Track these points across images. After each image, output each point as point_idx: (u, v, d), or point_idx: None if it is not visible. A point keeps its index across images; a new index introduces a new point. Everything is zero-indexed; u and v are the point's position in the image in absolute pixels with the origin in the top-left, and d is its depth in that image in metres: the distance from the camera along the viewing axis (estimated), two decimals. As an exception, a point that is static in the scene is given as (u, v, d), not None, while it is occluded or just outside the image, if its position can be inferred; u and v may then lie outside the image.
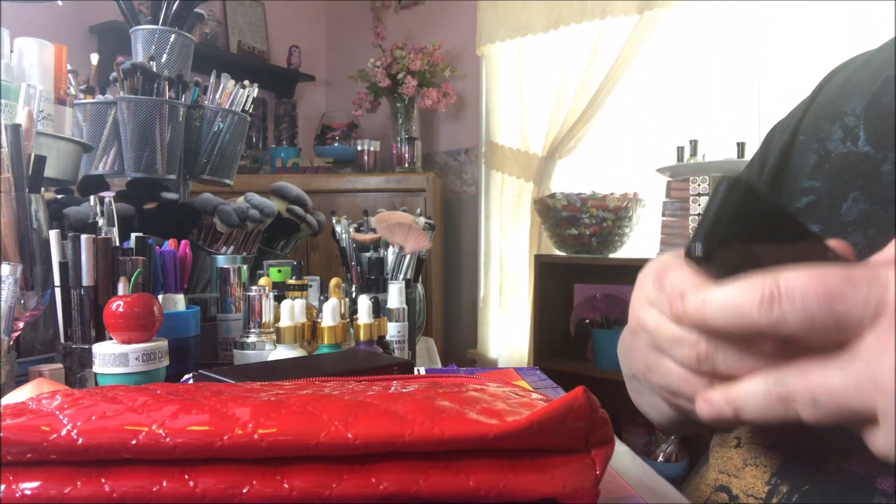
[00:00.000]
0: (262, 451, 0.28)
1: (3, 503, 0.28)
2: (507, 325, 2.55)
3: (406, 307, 0.81)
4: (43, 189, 0.72)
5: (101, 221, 0.77)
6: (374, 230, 0.99)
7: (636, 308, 0.37)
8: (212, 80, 1.11)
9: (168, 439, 0.28)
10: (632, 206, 1.99)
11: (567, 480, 0.29)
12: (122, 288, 0.61)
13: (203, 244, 1.01)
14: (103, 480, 0.28)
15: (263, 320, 0.72)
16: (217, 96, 1.11)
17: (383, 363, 0.58)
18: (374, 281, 0.89)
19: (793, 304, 0.27)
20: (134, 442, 0.28)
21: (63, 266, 0.64)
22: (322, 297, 0.88)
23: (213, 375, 0.51)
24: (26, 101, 0.77)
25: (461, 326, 2.83)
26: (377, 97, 2.74)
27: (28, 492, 0.28)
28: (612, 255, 2.08)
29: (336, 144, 2.85)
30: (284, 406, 0.30)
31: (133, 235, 0.70)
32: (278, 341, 0.67)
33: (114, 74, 1.02)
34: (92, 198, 0.79)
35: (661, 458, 1.85)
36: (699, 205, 1.75)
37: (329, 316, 0.69)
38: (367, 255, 0.95)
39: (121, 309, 0.57)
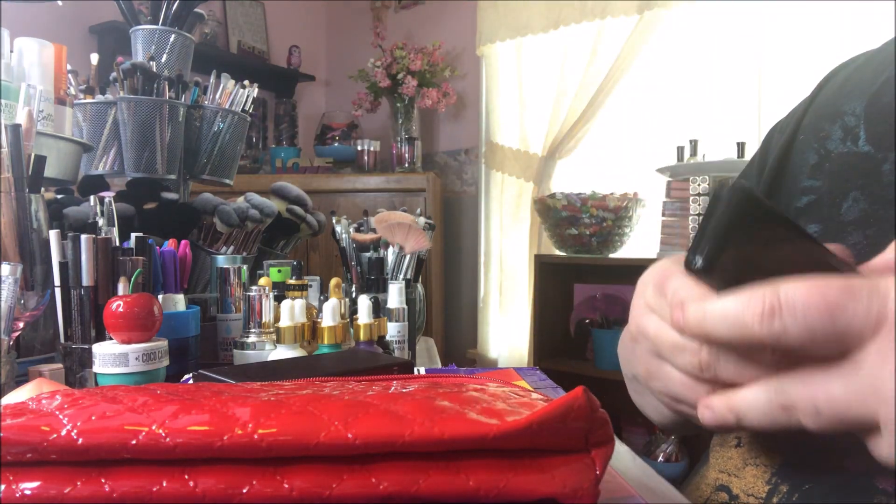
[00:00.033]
0: (262, 451, 0.28)
1: (3, 503, 0.28)
2: (507, 325, 2.55)
3: (406, 307, 0.81)
4: (43, 189, 0.72)
5: (101, 221, 0.77)
6: (374, 230, 0.99)
7: (637, 315, 0.37)
8: (212, 80, 1.11)
9: (168, 439, 0.28)
10: (632, 206, 1.99)
11: (567, 480, 0.29)
12: (122, 288, 0.61)
13: (203, 244, 1.01)
14: (103, 480, 0.28)
15: (263, 320, 0.72)
16: (217, 96, 1.11)
17: (383, 363, 0.58)
18: (374, 281, 0.89)
19: (794, 318, 0.27)
20: (134, 442, 0.28)
21: (63, 266, 0.64)
22: (322, 297, 0.88)
23: (213, 375, 0.51)
24: (26, 101, 0.77)
25: (461, 326, 2.82)
26: (377, 97, 2.74)
27: (28, 492, 0.28)
28: (612, 255, 2.08)
29: (336, 144, 2.85)
30: (284, 406, 0.30)
31: (133, 235, 0.70)
32: (278, 341, 0.67)
33: (114, 74, 1.02)
34: (92, 198, 0.79)
35: (661, 458, 1.85)
36: (699, 205, 1.75)
37: (329, 316, 0.69)
38: (367, 255, 0.95)
39: (121, 309, 0.57)
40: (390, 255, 0.94)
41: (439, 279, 2.66)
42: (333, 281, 0.76)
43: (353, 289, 0.95)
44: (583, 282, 2.28)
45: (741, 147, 1.88)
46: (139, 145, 1.00)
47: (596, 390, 0.33)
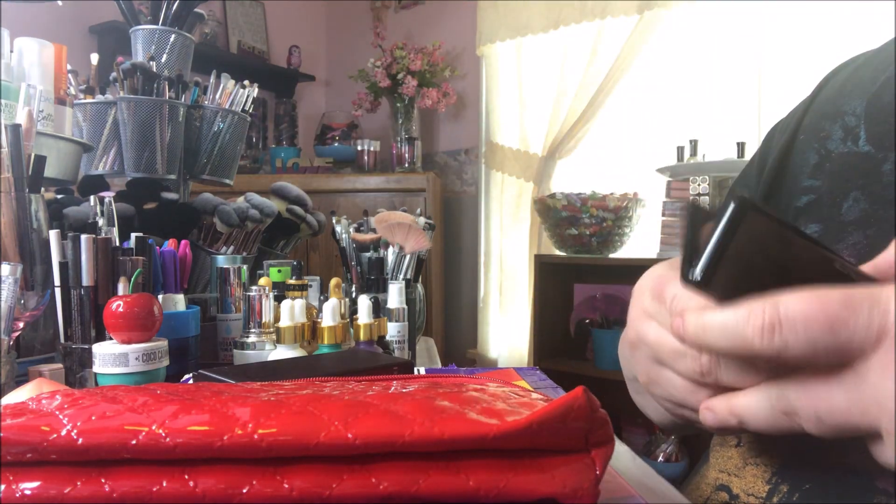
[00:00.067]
0: (262, 451, 0.28)
1: (3, 503, 0.28)
2: (507, 325, 2.55)
3: (406, 307, 0.81)
4: (43, 189, 0.72)
5: (101, 221, 0.77)
6: (374, 230, 0.99)
7: (635, 321, 0.37)
8: (212, 80, 1.11)
9: (168, 439, 0.28)
10: (632, 206, 1.99)
11: (567, 480, 0.29)
12: (122, 288, 0.61)
13: (203, 244, 1.01)
14: (103, 480, 0.28)
15: (263, 320, 0.72)
16: (217, 96, 1.11)
17: (383, 363, 0.58)
18: (374, 281, 0.89)
19: (794, 333, 0.27)
20: (134, 442, 0.28)
21: (63, 266, 0.64)
22: (322, 297, 0.88)
23: (213, 375, 0.51)
24: (26, 101, 0.77)
25: (461, 326, 2.82)
26: (377, 97, 2.74)
27: (28, 492, 0.28)
28: (612, 255, 2.08)
29: (336, 144, 2.85)
30: (284, 406, 0.30)
31: (133, 235, 0.70)
32: (278, 341, 0.67)
33: (114, 74, 1.02)
34: (92, 198, 0.79)
35: (661, 458, 1.85)
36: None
37: (329, 316, 0.69)
38: (367, 255, 0.95)
39: (121, 309, 0.57)
40: (390, 255, 0.94)
41: (439, 279, 2.66)
42: (333, 281, 0.76)
43: (353, 289, 0.95)
44: (583, 282, 2.28)
45: (741, 147, 1.88)
46: (139, 145, 1.00)
47: (596, 390, 0.33)
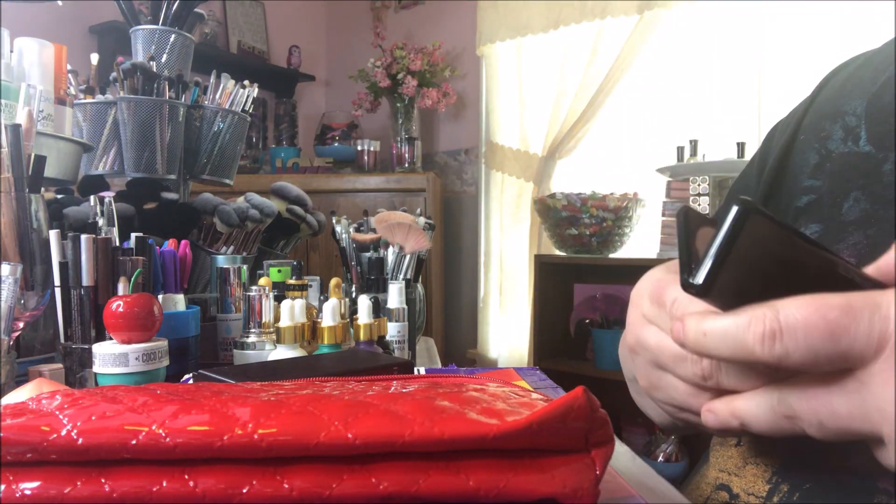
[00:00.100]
0: (262, 451, 0.28)
1: (3, 503, 0.28)
2: (507, 325, 2.55)
3: (406, 307, 0.81)
4: (43, 189, 0.72)
5: (101, 221, 0.77)
6: (374, 230, 0.99)
7: (635, 326, 0.36)
8: (212, 80, 1.11)
9: (168, 439, 0.28)
10: (632, 206, 1.99)
11: (567, 480, 0.29)
12: (122, 288, 0.61)
13: (203, 244, 1.01)
14: (103, 480, 0.28)
15: (263, 320, 0.71)
16: (217, 96, 1.11)
17: (383, 363, 0.58)
18: (374, 281, 0.89)
19: (795, 341, 0.27)
20: (134, 442, 0.28)
21: (63, 266, 0.64)
22: (322, 297, 0.88)
23: (213, 375, 0.51)
24: (26, 101, 0.77)
25: (461, 326, 2.82)
26: (377, 97, 2.74)
27: (28, 492, 0.28)
28: (612, 255, 2.08)
29: (336, 144, 2.85)
30: (284, 406, 0.30)
31: (133, 235, 0.70)
32: (278, 341, 0.67)
33: (114, 74, 1.02)
34: (92, 198, 0.79)
35: (661, 458, 1.85)
36: (699, 205, 1.75)
37: (329, 316, 0.69)
38: (367, 255, 0.95)
39: (121, 309, 0.57)
40: (390, 255, 0.94)
41: (439, 279, 2.66)
42: (333, 281, 0.76)
43: (353, 289, 0.95)
44: (583, 282, 2.28)
45: (741, 147, 1.88)
46: (139, 145, 1.00)
47: (596, 390, 0.33)
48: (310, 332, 0.71)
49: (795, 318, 0.27)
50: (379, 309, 0.77)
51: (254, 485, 0.28)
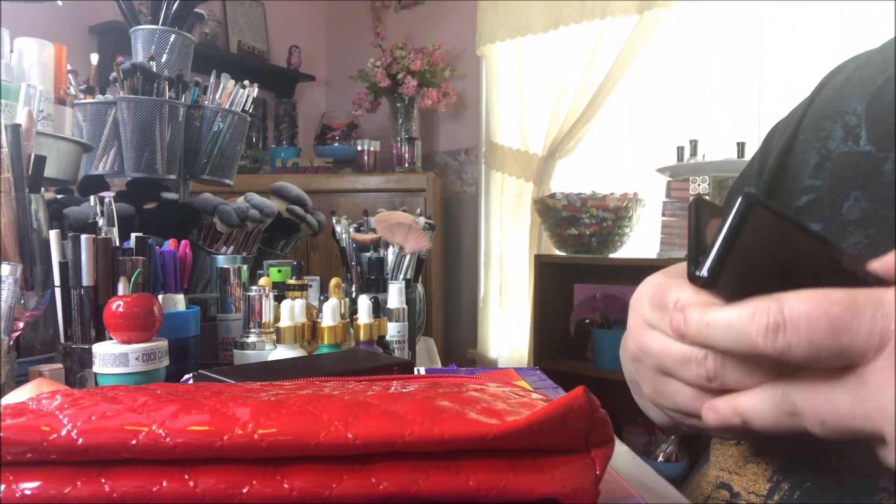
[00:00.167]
0: (262, 451, 0.28)
1: (3, 503, 0.28)
2: (507, 325, 2.55)
3: (406, 307, 0.81)
4: (43, 189, 0.72)
5: (101, 221, 0.77)
6: (374, 230, 0.99)
7: (636, 333, 0.36)
8: (212, 80, 1.11)
9: (168, 439, 0.28)
10: (632, 206, 1.99)
11: (567, 480, 0.29)
12: (122, 288, 0.61)
13: (203, 244, 1.01)
14: (103, 480, 0.28)
15: (263, 320, 0.71)
16: (217, 96, 1.11)
17: (383, 363, 0.58)
18: (374, 281, 0.89)
19: (798, 335, 0.27)
20: (134, 442, 0.28)
21: (63, 266, 0.64)
22: (322, 297, 0.88)
23: (213, 375, 0.51)
24: (26, 101, 0.77)
25: (461, 326, 2.82)
26: (377, 97, 2.74)
27: (28, 492, 0.28)
28: (612, 255, 2.08)
29: (336, 144, 2.85)
30: (284, 406, 0.30)
31: (133, 235, 0.70)
32: (278, 341, 0.67)
33: (114, 74, 1.02)
34: (92, 198, 0.79)
35: (661, 458, 1.85)
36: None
37: (329, 316, 0.69)
38: (367, 255, 0.95)
39: (121, 309, 0.57)
40: (390, 255, 0.94)
41: (439, 279, 2.66)
42: (333, 281, 0.76)
43: (353, 289, 0.95)
44: (583, 282, 2.28)
45: (741, 147, 1.88)
46: (139, 145, 1.00)
47: (596, 390, 0.33)
48: (310, 332, 0.71)
49: (799, 312, 0.27)
50: (379, 309, 0.77)
51: (254, 485, 0.28)
